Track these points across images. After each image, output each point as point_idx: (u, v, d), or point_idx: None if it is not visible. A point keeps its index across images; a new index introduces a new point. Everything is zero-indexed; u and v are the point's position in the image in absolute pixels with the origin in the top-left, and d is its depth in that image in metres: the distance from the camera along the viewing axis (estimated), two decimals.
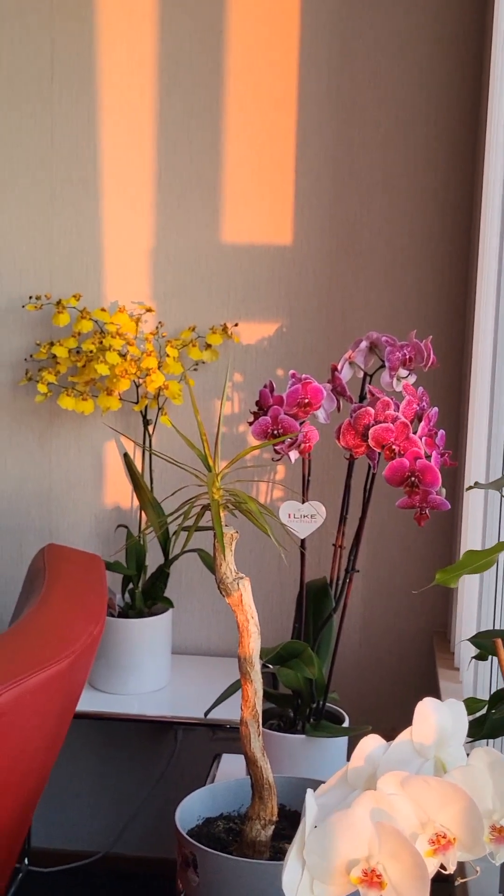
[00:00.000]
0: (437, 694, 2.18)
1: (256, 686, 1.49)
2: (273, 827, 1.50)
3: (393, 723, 2.46)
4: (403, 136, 2.36)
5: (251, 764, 1.50)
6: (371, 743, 0.87)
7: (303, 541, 1.87)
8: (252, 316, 2.43)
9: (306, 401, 1.79)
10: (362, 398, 1.91)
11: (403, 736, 0.88)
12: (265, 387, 1.83)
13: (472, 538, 2.05)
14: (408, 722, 2.57)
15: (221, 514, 1.44)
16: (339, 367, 1.91)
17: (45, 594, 1.71)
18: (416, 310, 2.39)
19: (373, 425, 1.67)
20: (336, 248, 2.40)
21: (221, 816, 1.59)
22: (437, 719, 0.87)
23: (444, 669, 2.24)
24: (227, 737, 2.44)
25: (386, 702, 2.50)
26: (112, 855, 2.61)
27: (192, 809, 1.56)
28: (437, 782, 0.81)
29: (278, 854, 1.50)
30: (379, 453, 1.70)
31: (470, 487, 1.39)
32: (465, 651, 2.08)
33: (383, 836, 0.81)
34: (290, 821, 1.57)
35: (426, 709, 0.87)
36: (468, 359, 2.24)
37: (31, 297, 2.41)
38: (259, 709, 1.50)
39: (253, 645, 1.48)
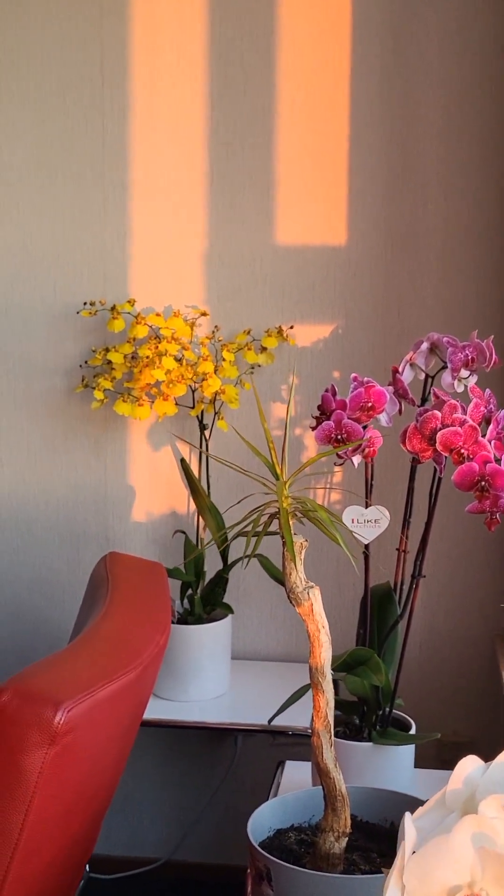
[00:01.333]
0: (501, 698, 2.15)
1: (328, 696, 1.47)
2: (346, 839, 1.48)
3: (455, 727, 2.44)
4: (458, 133, 2.33)
5: (323, 775, 1.48)
6: (469, 764, 0.84)
7: (366, 546, 1.85)
8: (307, 318, 2.41)
9: (370, 404, 1.77)
10: (424, 400, 1.89)
11: (501, 757, 0.85)
12: (327, 390, 1.81)
13: None
14: (474, 728, 2.54)
15: (290, 523, 1.43)
16: (400, 370, 1.89)
17: (110, 604, 1.70)
18: (474, 309, 2.36)
19: (440, 429, 1.64)
20: (391, 248, 2.37)
21: (292, 828, 1.57)
22: None
23: None
24: (288, 742, 2.43)
25: (449, 707, 2.47)
26: (173, 862, 2.60)
27: (262, 821, 1.54)
28: None
29: (352, 867, 1.48)
30: (446, 457, 1.68)
31: None
32: None
33: (486, 861, 0.78)
34: (362, 832, 1.55)
35: None
36: None
37: (85, 304, 2.40)
38: (331, 719, 1.48)
39: (324, 655, 1.46)
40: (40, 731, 1.37)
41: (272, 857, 1.41)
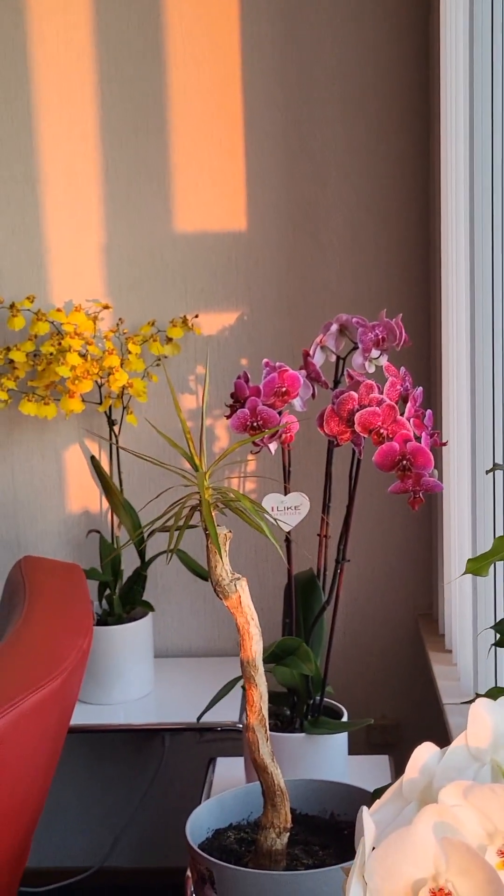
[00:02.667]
0: (431, 678, 2.14)
1: (262, 690, 1.43)
2: (288, 834, 1.45)
3: (382, 710, 2.42)
4: (354, 112, 2.31)
5: (261, 771, 1.44)
6: (424, 752, 0.81)
7: (288, 533, 1.81)
8: (211, 306, 2.37)
9: (284, 389, 1.73)
10: (337, 383, 1.86)
11: (458, 741, 0.82)
12: (240, 377, 1.77)
13: (458, 520, 2.01)
14: (401, 710, 2.53)
15: (213, 514, 1.39)
16: (311, 353, 1.86)
17: (29, 610, 1.64)
18: (379, 289, 2.34)
19: (358, 410, 1.62)
20: (293, 231, 2.34)
21: (231, 827, 1.53)
22: (493, 720, 0.81)
23: (435, 653, 2.20)
24: (216, 738, 2.39)
25: (376, 690, 2.45)
26: (106, 869, 2.54)
27: (200, 822, 1.50)
28: (503, 789, 0.76)
29: (295, 861, 1.45)
30: (365, 438, 1.65)
31: (490, 470, 1.35)
32: (459, 634, 2.04)
33: (450, 851, 0.75)
34: (302, 825, 1.52)
35: (480, 710, 0.82)
36: (436, 335, 2.20)
37: None
38: (265, 713, 1.44)
39: (255, 647, 1.42)
40: None
41: (214, 859, 1.37)
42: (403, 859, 0.77)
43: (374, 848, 0.79)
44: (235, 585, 1.41)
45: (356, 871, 0.79)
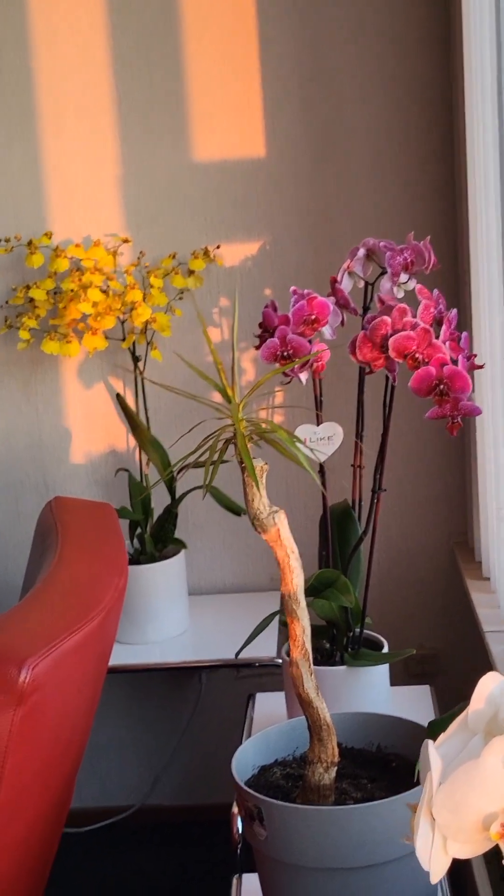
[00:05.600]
0: (470, 606, 2.11)
1: (304, 624, 1.40)
2: (335, 769, 1.43)
3: (420, 639, 2.40)
4: (372, 33, 2.23)
5: (306, 705, 1.41)
6: (490, 682, 0.78)
7: (321, 464, 1.78)
8: (233, 236, 2.31)
9: (313, 317, 1.69)
10: (366, 310, 1.81)
11: None
12: (267, 306, 1.72)
13: (493, 445, 1.97)
14: (439, 639, 2.51)
15: (248, 447, 1.35)
16: (338, 279, 1.81)
17: (62, 550, 1.61)
18: (404, 211, 2.28)
19: (391, 335, 1.57)
20: (313, 156, 2.28)
21: (276, 762, 1.51)
22: None
23: (473, 580, 2.16)
24: (253, 674, 2.38)
25: (413, 620, 2.43)
26: (147, 807, 2.55)
27: (246, 759, 1.48)
28: None
29: (343, 795, 1.43)
30: (399, 364, 1.60)
31: None
32: (497, 560, 2.00)
33: None
34: (349, 759, 1.50)
35: None
36: (464, 257, 2.14)
37: None
38: (309, 647, 1.41)
39: (296, 581, 1.39)
40: (5, 692, 1.29)
41: (263, 797, 1.35)
42: (472, 793, 0.74)
43: (440, 783, 0.76)
44: (274, 518, 1.37)
45: (424, 807, 0.76)
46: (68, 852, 2.18)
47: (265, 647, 2.13)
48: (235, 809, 1.72)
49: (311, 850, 1.33)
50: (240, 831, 1.73)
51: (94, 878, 2.40)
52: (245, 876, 1.64)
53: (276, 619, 1.92)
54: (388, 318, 1.57)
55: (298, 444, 1.38)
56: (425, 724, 1.49)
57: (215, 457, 1.34)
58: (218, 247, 2.29)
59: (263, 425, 1.37)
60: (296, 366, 1.65)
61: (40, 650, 1.32)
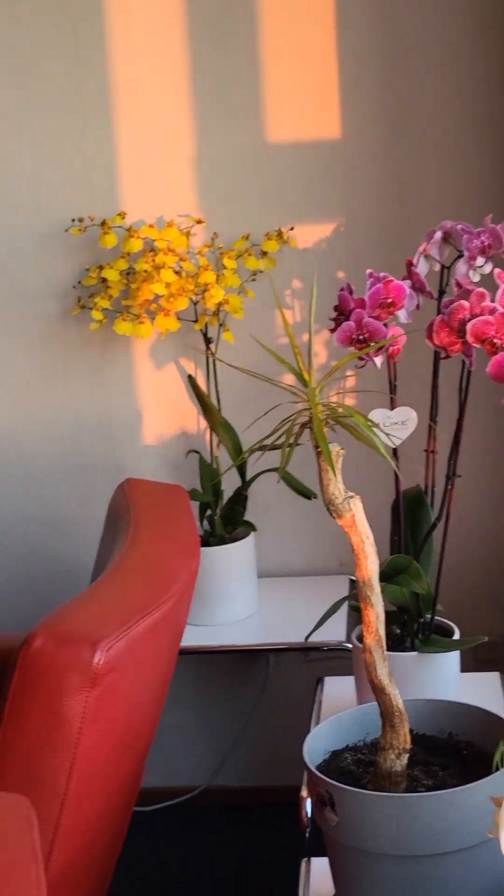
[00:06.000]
0: None
1: (378, 610, 1.39)
2: (407, 755, 1.42)
3: (490, 626, 2.37)
4: (453, 7, 2.19)
5: (379, 692, 1.41)
6: None
7: (394, 449, 1.76)
8: (307, 218, 2.29)
9: (389, 300, 1.67)
10: (441, 293, 1.79)
11: None
12: (343, 289, 1.71)
13: None
14: None
15: (324, 431, 1.34)
16: (414, 262, 1.79)
17: (135, 532, 1.61)
18: (482, 194, 2.24)
19: (469, 319, 1.55)
20: (389, 137, 2.25)
21: (347, 748, 1.51)
22: None
23: None
24: (321, 657, 2.37)
25: (484, 607, 2.40)
26: (213, 788, 2.55)
27: (317, 744, 1.47)
28: None
29: (415, 783, 1.42)
30: (477, 349, 1.58)
31: None
32: None
33: None
34: (420, 745, 1.49)
35: None
36: None
37: (73, 220, 2.27)
38: (383, 633, 1.40)
39: (371, 567, 1.38)
40: (79, 674, 1.29)
41: (335, 782, 1.34)
42: None
43: None
44: (349, 504, 1.36)
45: None
46: (135, 830, 2.20)
47: (334, 632, 2.12)
48: (305, 793, 1.72)
49: (382, 836, 1.33)
50: (309, 815, 1.73)
51: (160, 857, 2.42)
52: (313, 860, 1.64)
53: (347, 603, 1.91)
54: (466, 303, 1.55)
55: (374, 429, 1.37)
56: (495, 712, 1.48)
57: (291, 440, 1.34)
58: (291, 228, 2.28)
59: (339, 410, 1.36)
60: (372, 350, 1.63)
61: (114, 632, 1.32)
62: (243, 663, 2.51)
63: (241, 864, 2.38)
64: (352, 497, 1.37)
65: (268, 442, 1.36)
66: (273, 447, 1.36)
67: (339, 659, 2.19)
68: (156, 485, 1.85)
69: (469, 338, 1.54)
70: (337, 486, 1.36)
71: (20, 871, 0.87)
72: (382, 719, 1.42)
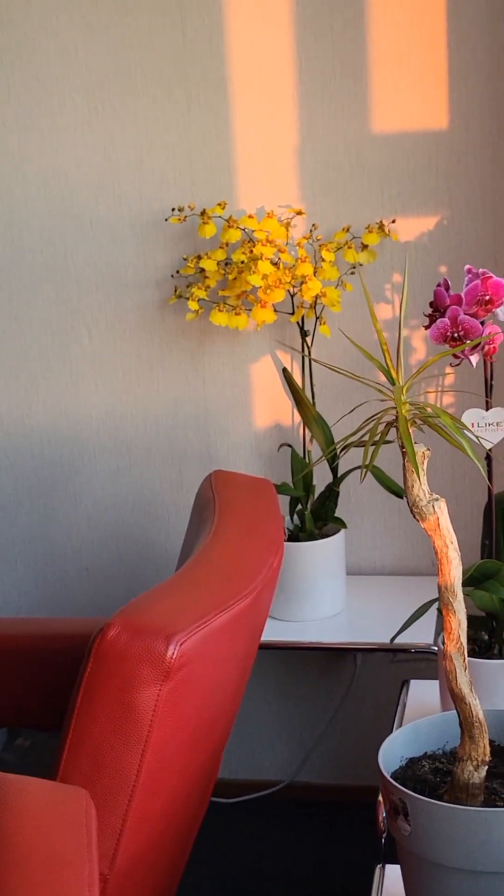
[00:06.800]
0: None
1: (460, 617, 1.35)
2: (486, 767, 1.38)
3: None
4: None
5: (458, 701, 1.37)
6: None
7: (488, 451, 1.71)
8: (409, 210, 2.25)
9: (487, 297, 1.63)
10: None
11: None
12: (439, 285, 1.67)
13: None
14: None
15: (410, 431, 1.30)
16: None
17: (218, 526, 1.60)
18: None
19: None
20: (498, 129, 2.19)
21: (425, 756, 1.47)
22: None
23: None
24: (409, 659, 2.33)
25: None
26: (296, 784, 2.54)
27: (394, 750, 1.44)
28: None
29: (493, 796, 1.38)
30: None
31: None
32: None
33: None
34: (500, 758, 1.44)
35: None
36: None
37: (173, 209, 2.27)
38: (464, 641, 1.36)
39: (454, 572, 1.34)
40: (152, 667, 1.28)
41: (410, 792, 1.31)
42: None
43: None
44: (433, 507, 1.32)
45: None
46: (214, 821, 2.20)
47: (422, 633, 2.08)
48: (381, 798, 1.69)
49: (457, 850, 1.29)
50: (384, 821, 1.70)
51: (237, 848, 2.41)
52: (388, 866, 1.61)
53: (435, 605, 1.87)
54: None
55: (465, 430, 1.33)
56: None
57: (376, 439, 1.31)
58: (393, 221, 2.24)
59: (427, 409, 1.32)
60: (466, 348, 1.59)
61: (189, 626, 1.31)
62: (330, 661, 2.48)
63: (318, 862, 2.37)
64: (437, 500, 1.33)
65: (354, 439, 1.33)
66: (359, 444, 1.34)
67: (427, 661, 2.15)
68: (243, 478, 1.84)
69: None
70: (421, 489, 1.32)
71: (72, 868, 0.86)
72: (462, 729, 1.38)
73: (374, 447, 1.29)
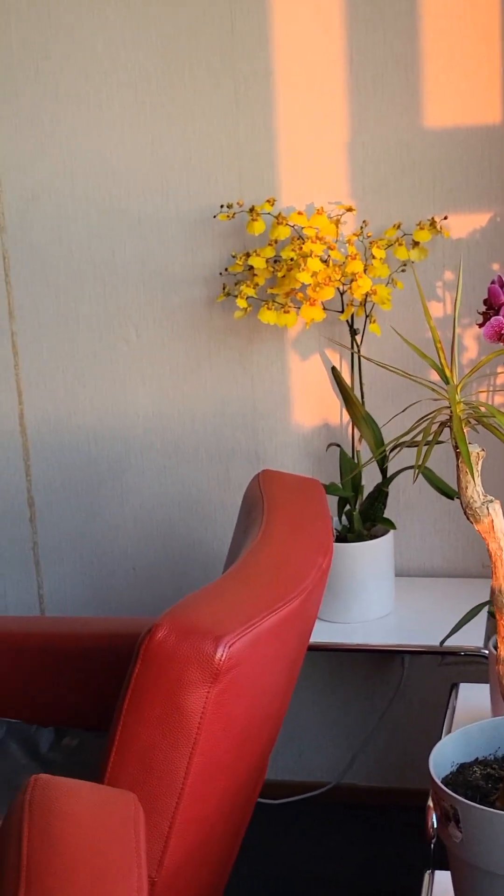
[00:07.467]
0: None
1: None
2: None
3: None
4: None
5: None
6: None
7: None
8: (461, 207, 2.22)
9: None
10: None
11: None
12: (494, 283, 1.64)
13: None
14: None
15: (464, 431, 1.28)
16: None
17: (267, 527, 1.58)
18: None
19: None
20: None
21: (477, 761, 1.44)
22: None
23: None
24: (458, 662, 2.30)
25: None
26: (343, 785, 2.51)
27: (444, 756, 1.41)
28: None
29: None
30: None
31: None
32: None
33: None
34: None
35: None
36: None
37: (222, 206, 2.25)
38: None
39: None
40: (201, 669, 1.27)
41: (461, 798, 1.28)
42: None
43: None
44: (488, 508, 1.30)
45: None
46: (261, 822, 2.19)
47: (472, 636, 2.05)
48: (431, 804, 1.66)
49: None
50: (434, 826, 1.67)
51: (284, 849, 2.40)
52: (437, 873, 1.59)
53: (486, 608, 1.84)
54: None
55: None
56: None
57: (429, 439, 1.28)
58: (445, 217, 2.21)
59: (482, 409, 1.29)
60: None
61: (238, 628, 1.29)
62: (378, 662, 2.46)
63: (364, 864, 2.34)
64: (491, 501, 1.30)
65: (406, 439, 1.31)
66: (411, 444, 1.31)
67: (477, 664, 2.12)
68: (291, 477, 1.82)
69: None
70: (475, 490, 1.30)
71: (121, 875, 0.85)
72: None
73: (427, 447, 1.27)
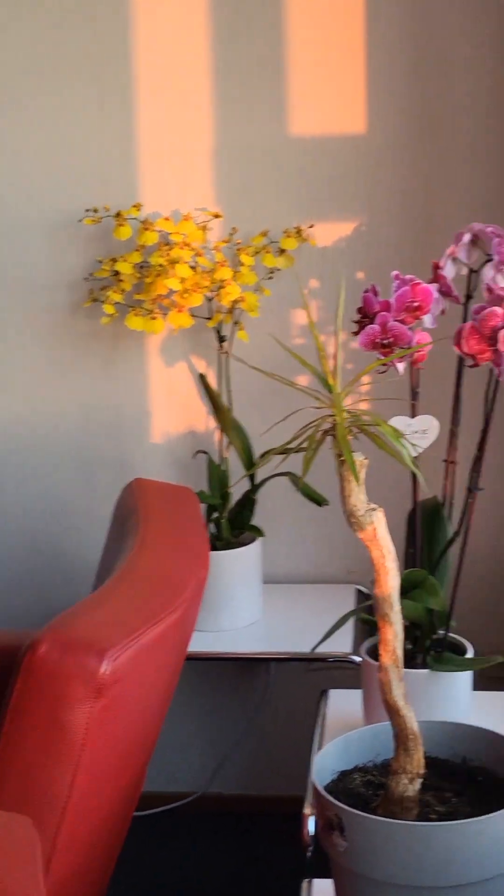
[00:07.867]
0: None
1: (397, 629, 1.34)
2: (420, 780, 1.36)
3: (500, 643, 2.31)
4: (484, 2, 2.13)
5: (393, 713, 1.35)
6: None
7: (413, 459, 1.70)
8: (327, 215, 2.23)
9: (416, 304, 1.61)
10: (469, 298, 1.73)
11: None
12: (367, 291, 1.65)
13: None
14: None
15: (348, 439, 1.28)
16: (441, 265, 1.73)
17: (144, 536, 1.55)
18: None
19: (502, 327, 1.49)
20: (416, 133, 2.19)
21: (356, 769, 1.45)
22: None
23: None
24: (324, 668, 2.31)
25: (497, 624, 2.34)
26: (209, 795, 2.50)
27: (326, 764, 1.41)
28: None
29: (426, 809, 1.36)
30: None
31: None
32: None
33: None
34: (434, 770, 1.43)
35: None
36: None
37: (87, 211, 2.21)
38: (400, 653, 1.34)
39: (392, 583, 1.32)
40: (84, 684, 1.23)
41: (347, 808, 1.28)
42: None
43: None
44: (371, 516, 1.30)
45: None
46: (132, 834, 2.15)
47: (340, 642, 2.06)
48: (307, 811, 1.66)
49: (395, 865, 1.27)
50: (311, 833, 1.67)
51: (156, 861, 2.37)
52: (315, 881, 1.58)
53: (356, 616, 1.85)
54: (499, 310, 1.49)
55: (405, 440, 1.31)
56: None
57: (313, 448, 1.28)
58: (311, 226, 2.22)
59: (365, 417, 1.30)
60: (400, 356, 1.58)
61: (122, 641, 1.27)
62: (245, 670, 2.45)
63: (237, 874, 2.33)
64: (374, 509, 1.31)
65: (295, 444, 1.30)
66: (286, 450, 1.31)
67: (343, 670, 2.14)
68: (166, 486, 1.79)
69: (500, 346, 1.49)
70: (359, 498, 1.30)
71: None
72: (396, 742, 1.36)
73: (311, 456, 1.26)
